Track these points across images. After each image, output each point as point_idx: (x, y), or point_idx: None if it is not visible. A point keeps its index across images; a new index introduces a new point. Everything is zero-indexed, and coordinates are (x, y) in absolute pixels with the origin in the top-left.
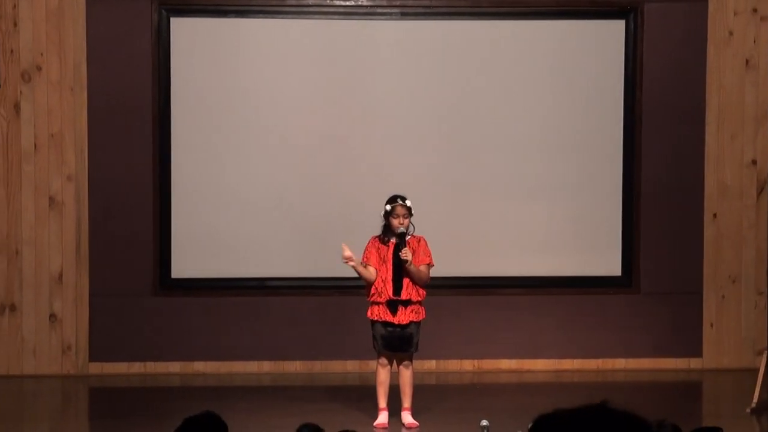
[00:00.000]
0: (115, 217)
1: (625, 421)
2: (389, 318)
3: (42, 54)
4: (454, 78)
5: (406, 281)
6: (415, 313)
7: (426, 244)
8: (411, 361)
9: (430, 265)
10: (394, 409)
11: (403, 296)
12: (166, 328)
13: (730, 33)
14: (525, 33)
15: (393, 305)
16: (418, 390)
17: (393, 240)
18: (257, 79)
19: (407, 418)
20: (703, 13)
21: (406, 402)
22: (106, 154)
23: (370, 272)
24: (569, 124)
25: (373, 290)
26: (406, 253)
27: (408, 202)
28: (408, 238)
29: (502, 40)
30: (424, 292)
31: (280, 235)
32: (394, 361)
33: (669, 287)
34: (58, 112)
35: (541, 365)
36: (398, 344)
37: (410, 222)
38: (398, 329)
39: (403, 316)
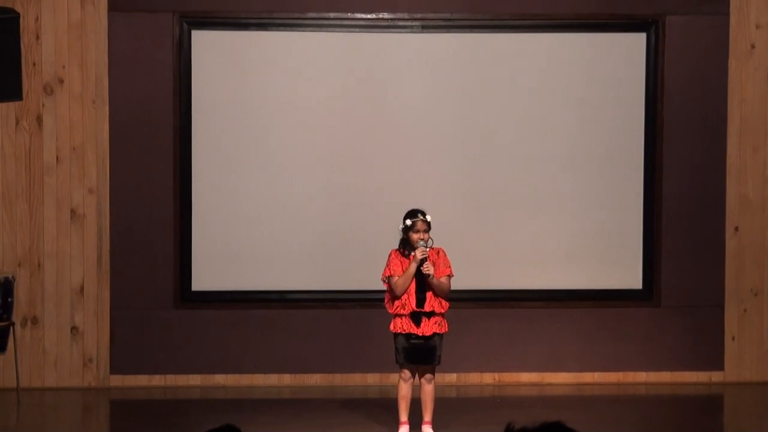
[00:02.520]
0: (136, 230)
1: None
2: (413, 330)
3: (64, 67)
4: (475, 91)
5: (429, 294)
6: (439, 325)
7: (445, 255)
8: (433, 374)
9: (450, 276)
10: (415, 422)
11: (427, 308)
12: (186, 340)
13: (752, 46)
14: (546, 46)
15: (417, 317)
16: (438, 403)
17: (414, 253)
18: (278, 91)
19: (428, 431)
20: (725, 26)
21: (427, 416)
22: (127, 167)
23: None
24: (590, 136)
25: (397, 303)
26: (428, 267)
27: (428, 217)
28: (427, 250)
29: (523, 53)
30: (447, 304)
31: (301, 247)
32: (416, 374)
33: (690, 300)
34: (80, 125)
35: (561, 378)
36: (421, 356)
37: (429, 235)
38: (422, 341)
39: (427, 328)
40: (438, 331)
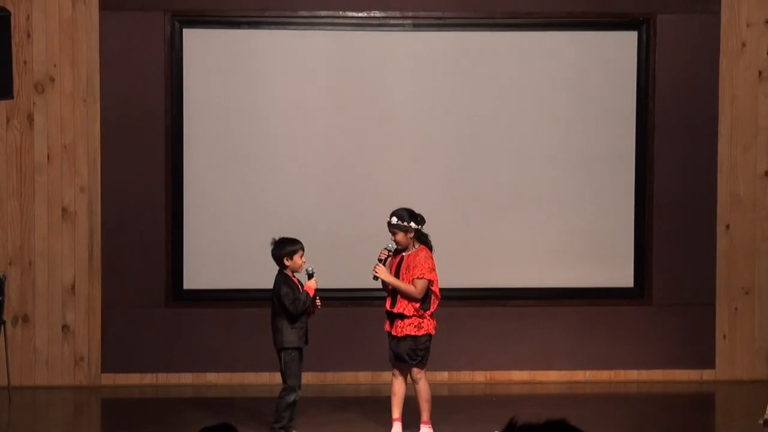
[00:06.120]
0: (127, 228)
1: None
2: (388, 329)
3: (55, 65)
4: (467, 89)
5: (398, 296)
6: (416, 327)
7: (424, 258)
8: (419, 375)
9: (420, 279)
10: (413, 421)
11: (396, 310)
12: (178, 339)
13: (743, 44)
14: (537, 44)
15: (391, 317)
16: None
17: (384, 252)
18: (270, 90)
19: (424, 431)
20: (716, 24)
21: (422, 415)
22: (118, 166)
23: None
24: (582, 135)
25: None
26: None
27: (394, 219)
28: (390, 250)
29: (515, 52)
30: (417, 304)
31: None
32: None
33: (682, 299)
34: (71, 124)
35: (553, 377)
36: (394, 356)
37: (394, 239)
38: (395, 341)
39: (398, 329)
40: (411, 333)
